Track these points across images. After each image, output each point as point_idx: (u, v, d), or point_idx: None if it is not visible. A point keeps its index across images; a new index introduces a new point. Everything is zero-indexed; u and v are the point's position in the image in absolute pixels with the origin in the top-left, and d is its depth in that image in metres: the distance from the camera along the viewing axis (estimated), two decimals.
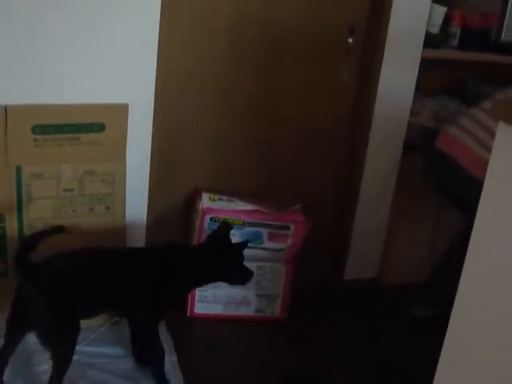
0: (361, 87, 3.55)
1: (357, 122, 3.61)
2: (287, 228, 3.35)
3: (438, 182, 3.61)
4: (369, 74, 3.50)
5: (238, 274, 2.97)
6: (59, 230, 2.67)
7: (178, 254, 2.88)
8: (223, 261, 2.91)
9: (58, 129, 2.88)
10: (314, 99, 3.50)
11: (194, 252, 2.98)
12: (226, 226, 3.04)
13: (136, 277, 2.75)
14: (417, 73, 3.54)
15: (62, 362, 2.59)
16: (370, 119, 3.54)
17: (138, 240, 3.21)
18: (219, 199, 3.28)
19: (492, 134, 3.22)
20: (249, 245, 3.15)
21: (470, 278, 2.10)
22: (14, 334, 2.67)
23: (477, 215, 2.04)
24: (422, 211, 3.82)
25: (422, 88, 3.71)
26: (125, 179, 3.06)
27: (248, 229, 3.28)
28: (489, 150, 3.19)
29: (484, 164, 3.17)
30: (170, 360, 2.99)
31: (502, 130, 1.89)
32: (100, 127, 2.95)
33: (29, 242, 2.54)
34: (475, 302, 2.10)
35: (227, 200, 3.30)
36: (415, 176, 3.69)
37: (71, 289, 2.58)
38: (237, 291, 3.31)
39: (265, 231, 3.30)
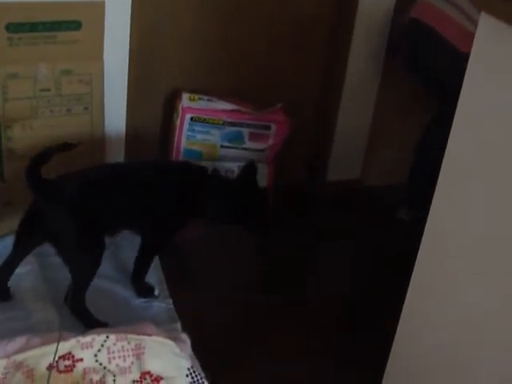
0: None
1: (339, 18, 3.52)
2: (268, 128, 3.32)
3: (411, 56, 3.45)
4: None
5: (255, 219, 2.98)
6: (69, 146, 2.56)
7: (206, 181, 2.90)
8: (248, 200, 2.93)
9: (33, 27, 2.80)
10: None
11: (220, 181, 2.96)
12: (251, 167, 2.99)
13: (158, 194, 2.75)
14: None
15: (83, 280, 2.61)
16: (354, 13, 3.45)
17: (117, 142, 3.19)
18: (199, 99, 3.24)
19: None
20: (230, 145, 3.17)
21: (448, 177, 2.10)
22: (24, 246, 2.68)
23: (456, 115, 2.03)
24: (407, 111, 3.78)
25: None
26: (103, 79, 3.00)
27: (228, 129, 3.25)
28: (469, 17, 3.13)
29: (462, 31, 3.12)
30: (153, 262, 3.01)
31: (484, 20, 1.84)
32: (76, 25, 2.87)
33: (39, 160, 2.48)
34: (453, 198, 2.10)
35: (207, 99, 3.25)
36: (400, 76, 3.63)
37: (92, 205, 2.57)
38: None
39: (246, 131, 3.27)
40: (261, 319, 2.91)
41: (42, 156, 2.49)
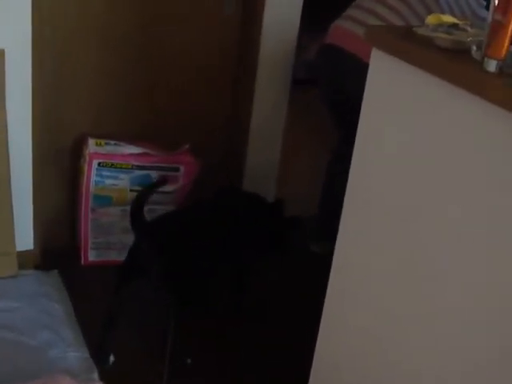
0: (246, 18, 3.50)
1: (243, 56, 3.57)
2: (177, 169, 3.33)
3: (328, 83, 3.42)
4: (253, 3, 3.45)
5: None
6: (163, 182, 3.00)
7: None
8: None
9: None
10: (197, 33, 3.45)
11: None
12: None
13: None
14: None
15: (175, 324, 2.63)
16: (257, 52, 3.50)
17: (24, 189, 3.13)
18: (106, 144, 3.23)
19: (380, 18, 3.13)
20: (140, 188, 3.17)
21: (349, 214, 2.14)
22: (126, 282, 2.74)
23: (354, 151, 2.07)
24: (314, 145, 3.83)
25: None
26: (6, 127, 2.95)
27: (137, 172, 3.24)
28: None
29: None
30: (65, 310, 2.97)
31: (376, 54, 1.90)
32: None
33: (140, 201, 2.66)
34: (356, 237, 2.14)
35: (114, 144, 3.24)
36: (307, 110, 3.68)
37: (183, 252, 2.65)
38: (130, 237, 3.28)
39: (154, 174, 3.27)
40: None
41: (142, 197, 2.68)
